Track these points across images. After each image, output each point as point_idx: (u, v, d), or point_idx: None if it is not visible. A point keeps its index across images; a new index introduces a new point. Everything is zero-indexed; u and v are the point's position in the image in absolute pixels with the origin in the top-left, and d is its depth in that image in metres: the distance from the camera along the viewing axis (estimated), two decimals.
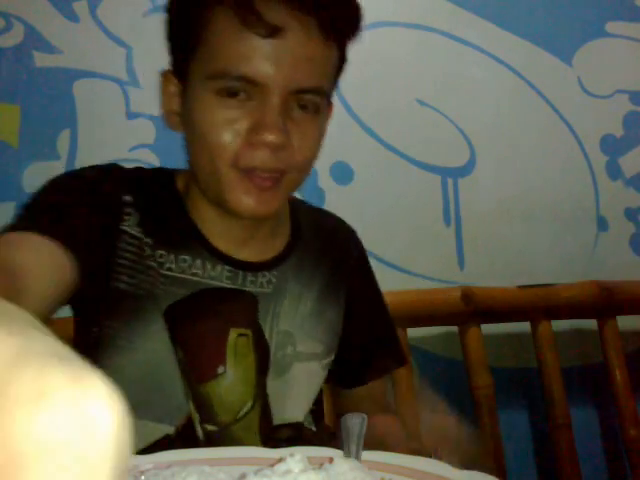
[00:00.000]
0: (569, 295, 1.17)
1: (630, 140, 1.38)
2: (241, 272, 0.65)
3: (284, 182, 0.60)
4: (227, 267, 0.64)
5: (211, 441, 0.61)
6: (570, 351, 1.23)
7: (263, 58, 0.55)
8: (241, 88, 0.56)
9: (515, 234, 1.31)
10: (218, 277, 0.64)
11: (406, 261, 1.23)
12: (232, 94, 0.57)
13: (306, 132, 0.59)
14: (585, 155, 1.37)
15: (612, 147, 1.38)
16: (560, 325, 1.18)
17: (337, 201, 1.07)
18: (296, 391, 0.67)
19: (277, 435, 0.65)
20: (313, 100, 0.59)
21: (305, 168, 0.62)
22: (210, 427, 0.62)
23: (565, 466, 1.09)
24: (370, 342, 0.76)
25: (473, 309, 1.11)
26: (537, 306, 1.16)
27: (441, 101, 1.25)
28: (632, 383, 1.15)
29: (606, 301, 1.18)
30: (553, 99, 1.34)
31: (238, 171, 0.57)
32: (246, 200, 0.58)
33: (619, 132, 1.38)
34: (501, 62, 1.31)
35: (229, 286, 0.64)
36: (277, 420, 0.66)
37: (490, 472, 0.39)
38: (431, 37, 1.26)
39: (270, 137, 0.55)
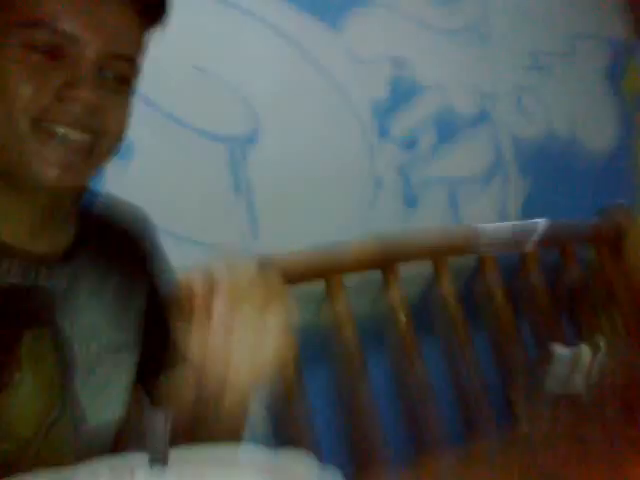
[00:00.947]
0: (356, 251, 1.26)
1: (396, 103, 1.51)
2: (34, 266, 0.57)
3: (95, 151, 0.55)
4: (17, 261, 0.56)
5: (7, 463, 0.53)
6: (362, 302, 1.32)
7: (83, 13, 0.53)
8: (56, 42, 0.52)
9: (304, 199, 1.35)
10: (5, 274, 0.55)
11: (199, 233, 1.20)
12: (44, 48, 0.52)
13: (120, 103, 0.56)
14: (359, 119, 1.46)
15: (381, 111, 1.49)
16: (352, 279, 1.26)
17: (119, 179, 0.99)
18: (110, 388, 0.63)
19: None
20: (127, 71, 0.57)
21: (117, 139, 0.58)
22: (5, 446, 0.54)
23: (365, 413, 1.18)
24: (154, 341, 0.72)
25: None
26: (330, 264, 1.23)
27: (221, 68, 1.22)
28: (415, 325, 1.29)
29: (387, 252, 1.29)
30: (326, 65, 1.39)
31: (42, 131, 0.52)
32: (51, 168, 0.52)
33: (386, 96, 1.50)
34: (275, 29, 1.31)
35: (20, 283, 0.56)
36: (93, 423, 0.60)
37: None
38: (204, 2, 1.22)
39: (85, 93, 0.52)
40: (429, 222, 1.51)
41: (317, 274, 1.21)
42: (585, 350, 0.44)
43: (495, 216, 1.64)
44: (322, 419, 1.16)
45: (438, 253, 1.38)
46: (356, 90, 1.44)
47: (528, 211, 1.68)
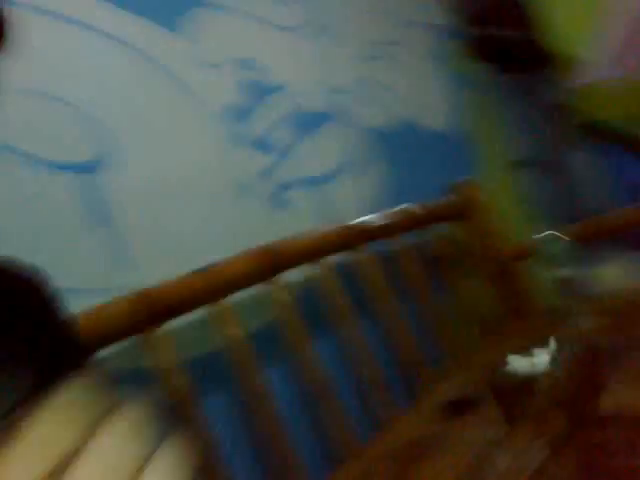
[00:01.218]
0: (241, 265, 1.20)
1: (250, 105, 1.46)
2: None
3: None
4: None
5: None
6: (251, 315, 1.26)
7: None
8: None
9: (171, 217, 1.25)
10: None
11: (61, 279, 1.06)
12: None
13: None
14: (212, 125, 1.38)
15: (236, 114, 1.43)
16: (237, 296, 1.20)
17: None
18: None
19: None
20: None
21: None
22: None
23: (272, 430, 1.13)
24: None
25: (154, 311, 1.03)
26: (213, 287, 1.16)
27: (65, 89, 1.07)
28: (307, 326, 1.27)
29: (273, 261, 1.25)
30: (175, 72, 1.30)
31: None
32: None
33: (239, 99, 1.44)
34: (116, 39, 1.19)
35: None
36: None
37: None
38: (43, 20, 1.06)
39: None
40: (301, 223, 1.49)
41: (201, 300, 1.13)
42: (541, 356, 0.44)
43: (361, 207, 1.67)
44: (232, 447, 1.10)
45: (319, 253, 1.37)
46: (208, 95, 1.36)
47: (390, 197, 1.73)
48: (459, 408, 1.24)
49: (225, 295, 1.17)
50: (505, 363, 0.45)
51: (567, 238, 1.58)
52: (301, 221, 1.51)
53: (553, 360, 0.44)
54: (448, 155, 1.98)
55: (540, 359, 0.44)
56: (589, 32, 3.59)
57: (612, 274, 1.61)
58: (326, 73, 1.67)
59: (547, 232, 1.63)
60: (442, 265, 1.73)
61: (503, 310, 1.78)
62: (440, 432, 1.14)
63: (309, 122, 1.59)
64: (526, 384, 0.41)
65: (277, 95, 1.53)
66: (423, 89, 1.99)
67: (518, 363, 0.43)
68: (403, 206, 1.64)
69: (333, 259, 1.40)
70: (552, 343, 0.46)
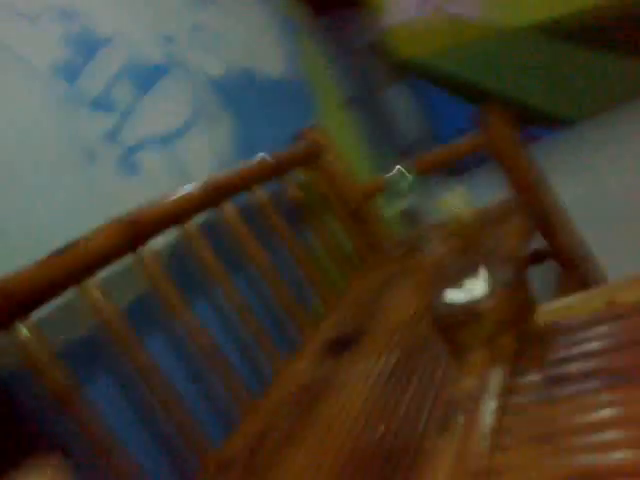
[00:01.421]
0: (101, 241, 1.11)
1: (82, 61, 1.31)
2: None
3: None
4: None
5: None
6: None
7: None
8: None
9: (8, 196, 1.11)
10: None
11: None
12: None
13: None
14: (41, 86, 1.23)
15: (63, 73, 1.28)
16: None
17: None
18: None
19: None
20: None
21: None
22: None
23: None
24: None
25: (13, 306, 0.92)
26: (76, 268, 1.06)
27: None
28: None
29: (135, 231, 1.17)
30: None
31: None
32: None
33: (68, 55, 1.29)
34: None
35: None
36: None
37: None
38: None
39: None
40: (155, 186, 1.41)
41: (63, 284, 1.03)
42: (476, 285, 0.47)
43: (215, 163, 1.61)
44: (127, 428, 1.04)
45: (181, 216, 1.31)
46: (32, 52, 1.20)
47: (242, 150, 1.70)
48: (341, 346, 1.30)
49: (90, 275, 1.07)
50: (443, 298, 0.48)
51: (411, 173, 1.69)
52: (155, 184, 1.42)
53: (489, 286, 0.47)
54: (292, 102, 1.98)
55: (477, 288, 0.47)
56: None
57: (452, 201, 1.77)
58: (157, 22, 1.55)
59: (393, 168, 1.73)
60: (301, 211, 1.76)
61: (360, 247, 1.87)
62: (329, 372, 1.19)
63: (147, 76, 1.48)
64: (469, 314, 0.44)
65: (108, 48, 1.40)
66: (258, 35, 1.95)
67: (456, 295, 0.46)
68: (256, 157, 1.62)
69: (197, 220, 1.35)
70: (483, 271, 0.49)
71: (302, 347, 1.38)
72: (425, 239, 1.71)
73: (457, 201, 1.73)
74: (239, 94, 1.76)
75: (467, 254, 1.45)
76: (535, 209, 1.52)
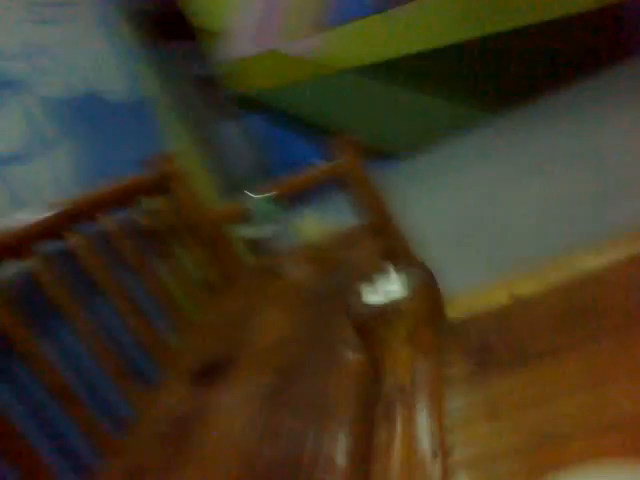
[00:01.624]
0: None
1: None
2: None
3: None
4: None
5: None
6: None
7: None
8: None
9: None
10: None
11: None
12: None
13: None
14: None
15: None
16: None
17: None
18: None
19: None
20: None
21: None
22: None
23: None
24: None
25: None
26: None
27: None
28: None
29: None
30: None
31: None
32: None
33: None
34: None
35: None
36: None
37: None
38: None
39: None
40: None
41: None
42: (390, 284, 0.48)
43: (57, 188, 1.49)
44: None
45: (26, 245, 1.18)
46: None
47: (85, 175, 1.59)
48: (210, 375, 1.25)
49: None
50: (360, 299, 0.49)
51: (269, 199, 1.72)
52: None
53: (408, 286, 0.50)
54: (138, 127, 1.91)
55: (393, 288, 0.49)
56: (229, 8, 3.84)
57: (306, 227, 1.82)
58: None
59: (253, 195, 1.74)
60: (155, 238, 1.69)
61: (217, 273, 1.83)
62: (199, 404, 1.13)
63: None
64: (391, 313, 0.46)
65: None
66: (99, 57, 1.86)
67: (373, 296, 0.47)
68: (101, 183, 1.53)
69: (45, 249, 1.23)
70: (392, 271, 0.51)
71: (163, 380, 1.31)
72: (282, 264, 1.74)
73: (311, 227, 1.79)
74: (81, 118, 1.66)
75: (327, 276, 1.51)
76: (386, 231, 1.63)
